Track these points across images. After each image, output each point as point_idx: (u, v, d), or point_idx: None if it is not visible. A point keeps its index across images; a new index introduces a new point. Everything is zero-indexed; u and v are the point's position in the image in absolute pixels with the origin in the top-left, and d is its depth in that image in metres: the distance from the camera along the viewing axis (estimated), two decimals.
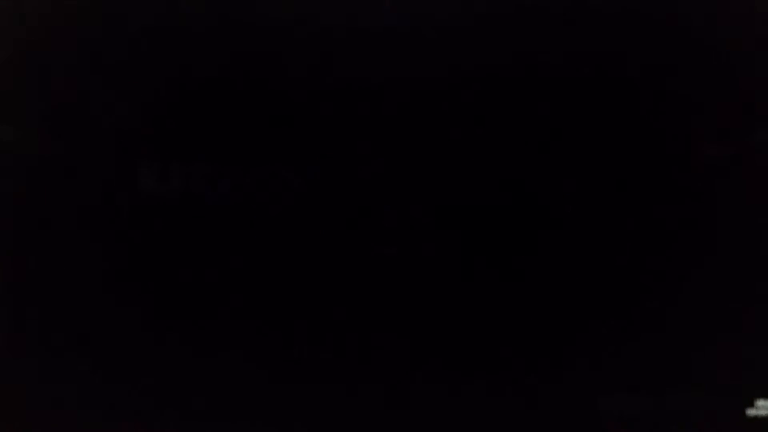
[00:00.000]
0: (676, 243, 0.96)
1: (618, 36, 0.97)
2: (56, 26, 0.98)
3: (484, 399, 0.95)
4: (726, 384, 0.95)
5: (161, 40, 0.97)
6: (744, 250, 0.96)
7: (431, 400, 0.95)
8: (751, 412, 0.95)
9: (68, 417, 0.96)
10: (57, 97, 0.98)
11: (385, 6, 0.97)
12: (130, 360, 0.96)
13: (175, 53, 0.97)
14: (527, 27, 0.97)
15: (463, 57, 0.97)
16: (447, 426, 0.95)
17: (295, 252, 0.96)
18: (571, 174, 0.96)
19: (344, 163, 0.96)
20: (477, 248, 0.96)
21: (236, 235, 0.96)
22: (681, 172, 0.96)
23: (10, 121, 0.98)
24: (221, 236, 0.96)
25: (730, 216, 0.96)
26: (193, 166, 0.97)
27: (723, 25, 0.98)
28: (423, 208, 0.96)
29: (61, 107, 0.97)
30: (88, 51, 0.98)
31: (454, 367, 0.95)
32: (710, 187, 0.96)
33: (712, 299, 0.96)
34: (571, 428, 0.95)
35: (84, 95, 0.97)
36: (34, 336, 0.97)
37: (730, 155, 0.96)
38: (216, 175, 0.96)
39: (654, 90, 0.96)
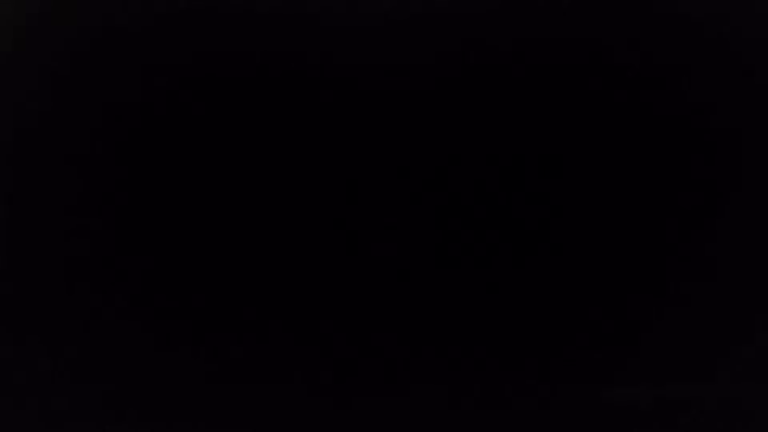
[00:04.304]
0: (677, 236, 0.96)
1: (622, 26, 0.97)
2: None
3: (487, 393, 0.95)
4: (728, 376, 0.96)
5: (155, 34, 0.98)
6: (744, 244, 0.96)
7: (433, 394, 0.95)
8: None
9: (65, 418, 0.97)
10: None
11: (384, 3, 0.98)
12: (117, 366, 0.96)
13: (169, 46, 0.97)
14: (529, 17, 0.97)
15: (461, 51, 0.97)
16: (450, 420, 0.95)
17: (290, 250, 0.96)
18: (574, 167, 0.96)
19: (339, 159, 0.96)
20: (478, 243, 0.96)
21: (231, 232, 0.96)
22: (684, 165, 0.96)
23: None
24: (216, 233, 0.96)
25: (733, 207, 0.96)
26: (188, 164, 0.97)
27: (727, 19, 0.98)
28: (421, 205, 0.96)
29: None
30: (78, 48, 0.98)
31: (456, 360, 0.95)
32: (713, 185, 0.96)
33: (714, 291, 0.96)
34: (574, 420, 0.95)
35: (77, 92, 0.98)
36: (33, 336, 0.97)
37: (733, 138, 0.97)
38: (211, 174, 0.97)
39: (659, 84, 0.97)
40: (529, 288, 0.95)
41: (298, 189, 0.96)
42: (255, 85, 0.97)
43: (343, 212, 0.96)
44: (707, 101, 0.97)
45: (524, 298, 0.95)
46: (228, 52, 0.97)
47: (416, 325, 0.95)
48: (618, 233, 0.95)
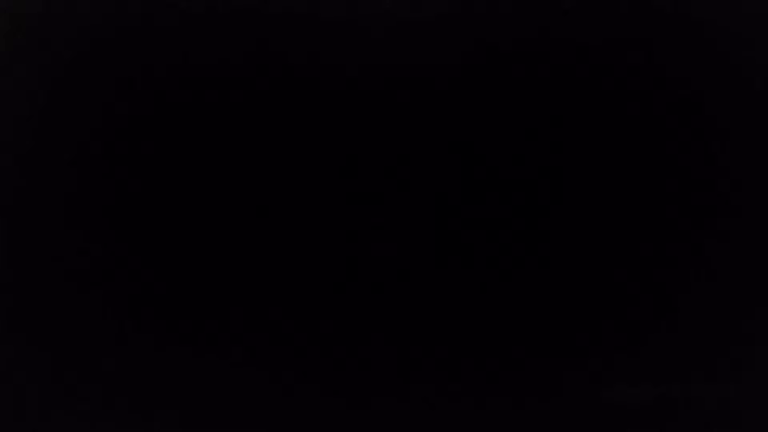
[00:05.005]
0: (677, 236, 0.96)
1: (624, 25, 0.97)
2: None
3: (488, 393, 0.95)
4: (728, 376, 0.96)
5: (157, 32, 0.97)
6: (744, 244, 0.96)
7: (432, 394, 0.95)
8: None
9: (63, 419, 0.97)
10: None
11: (385, 5, 0.98)
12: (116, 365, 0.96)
13: (172, 44, 0.97)
14: (529, 17, 0.97)
15: (462, 51, 0.97)
16: (450, 419, 0.95)
17: (289, 250, 0.96)
18: (573, 168, 0.96)
19: (338, 160, 0.96)
20: (478, 244, 0.96)
21: (229, 232, 0.96)
22: (685, 165, 0.96)
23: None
24: (217, 233, 0.96)
25: (733, 207, 0.96)
26: (189, 164, 0.97)
27: (727, 18, 0.98)
28: (422, 206, 0.96)
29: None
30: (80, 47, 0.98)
31: (456, 360, 0.96)
32: (713, 185, 0.96)
33: (714, 291, 0.96)
34: (574, 419, 0.95)
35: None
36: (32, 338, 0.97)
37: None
38: (210, 174, 0.97)
39: (661, 82, 0.97)
40: (530, 288, 0.95)
41: (301, 191, 0.96)
42: (254, 85, 0.97)
43: (343, 213, 0.96)
44: (710, 101, 0.97)
45: (525, 298, 0.95)
46: (227, 52, 0.97)
47: (416, 326, 0.96)
48: (618, 234, 0.95)
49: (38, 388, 0.97)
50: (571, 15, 0.97)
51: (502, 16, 0.97)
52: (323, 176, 0.96)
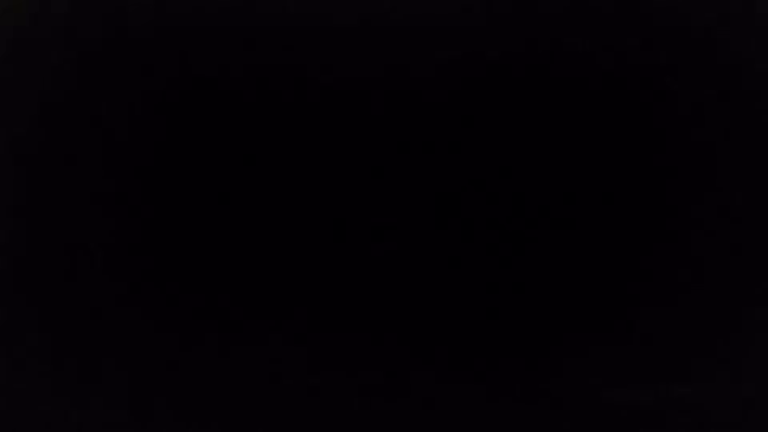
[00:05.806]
0: (678, 236, 0.96)
1: (624, 32, 0.97)
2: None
3: (487, 392, 0.95)
4: (728, 376, 0.96)
5: (159, 40, 0.98)
6: (744, 244, 0.96)
7: (431, 394, 0.96)
8: None
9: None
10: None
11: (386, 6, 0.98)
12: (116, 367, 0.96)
13: (174, 53, 0.97)
14: (532, 22, 0.97)
15: (463, 54, 0.97)
16: (449, 419, 0.95)
17: (290, 250, 0.96)
18: (573, 169, 0.96)
19: (337, 161, 0.97)
20: (478, 243, 0.96)
21: (227, 231, 0.96)
22: (686, 165, 0.96)
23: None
24: (214, 232, 0.96)
25: (733, 208, 0.96)
26: (189, 161, 0.97)
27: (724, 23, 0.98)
28: (421, 205, 0.96)
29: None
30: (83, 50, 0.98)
31: (455, 360, 0.96)
32: (713, 186, 0.96)
33: (714, 291, 0.96)
34: (574, 420, 0.95)
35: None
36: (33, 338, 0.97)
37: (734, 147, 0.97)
38: (209, 172, 0.97)
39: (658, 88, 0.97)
40: (529, 288, 0.95)
41: (301, 192, 0.96)
42: (253, 88, 0.97)
43: (344, 212, 0.96)
44: (710, 105, 0.97)
45: (524, 297, 0.95)
46: (229, 53, 0.97)
47: (415, 325, 0.96)
48: (618, 233, 0.96)
49: (38, 387, 0.97)
50: (570, 20, 0.97)
51: (503, 19, 0.97)
52: (323, 178, 0.96)
